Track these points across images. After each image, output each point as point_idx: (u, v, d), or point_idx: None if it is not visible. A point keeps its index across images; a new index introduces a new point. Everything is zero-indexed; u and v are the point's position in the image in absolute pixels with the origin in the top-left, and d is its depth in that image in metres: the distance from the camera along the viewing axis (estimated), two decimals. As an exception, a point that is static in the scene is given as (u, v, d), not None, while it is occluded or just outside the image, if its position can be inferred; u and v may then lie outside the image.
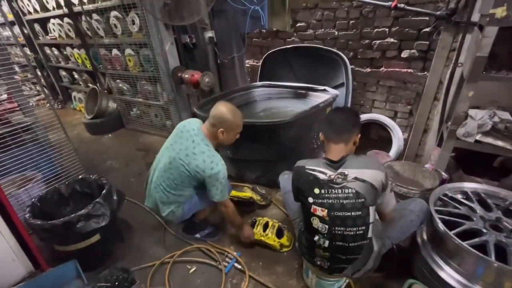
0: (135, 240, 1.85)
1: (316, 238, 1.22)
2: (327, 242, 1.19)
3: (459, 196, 1.48)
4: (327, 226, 1.17)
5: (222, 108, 1.48)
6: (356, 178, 1.11)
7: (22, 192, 1.89)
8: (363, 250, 1.17)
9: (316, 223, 1.20)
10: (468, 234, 1.23)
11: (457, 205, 1.41)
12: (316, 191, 1.16)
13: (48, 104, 2.23)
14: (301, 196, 1.23)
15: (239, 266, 1.58)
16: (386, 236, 1.29)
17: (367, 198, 1.10)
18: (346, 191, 1.11)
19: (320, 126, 1.29)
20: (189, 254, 1.70)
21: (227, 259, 1.63)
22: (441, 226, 1.24)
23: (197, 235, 1.78)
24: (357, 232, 1.14)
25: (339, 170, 1.14)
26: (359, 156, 1.20)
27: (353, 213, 1.12)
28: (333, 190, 1.13)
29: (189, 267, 1.62)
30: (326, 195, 1.15)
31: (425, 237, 1.41)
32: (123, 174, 2.70)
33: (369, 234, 1.15)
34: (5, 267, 1.50)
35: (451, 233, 1.21)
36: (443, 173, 1.75)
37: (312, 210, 1.19)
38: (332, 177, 1.14)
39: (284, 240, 1.68)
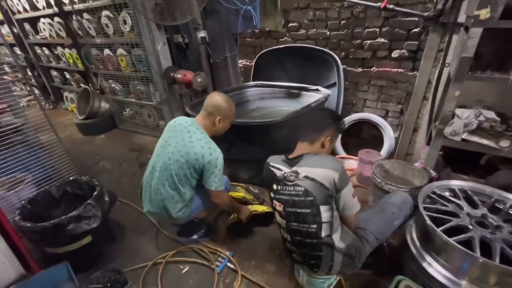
0: (128, 241, 1.85)
1: (281, 232, 1.29)
2: (288, 237, 1.26)
3: (446, 194, 1.51)
4: (284, 221, 1.24)
5: (217, 97, 1.54)
6: (306, 177, 1.13)
7: (12, 194, 1.86)
8: (322, 246, 1.18)
9: (277, 217, 1.28)
10: (455, 230, 1.27)
11: (444, 202, 1.44)
12: (274, 187, 1.22)
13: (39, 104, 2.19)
14: (268, 190, 1.30)
15: (232, 266, 1.59)
16: (369, 230, 1.29)
17: (316, 197, 1.11)
18: (297, 188, 1.14)
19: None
20: (182, 254, 1.70)
21: (219, 259, 1.64)
22: (429, 223, 1.27)
23: (195, 236, 1.78)
24: (309, 230, 1.16)
25: (293, 168, 1.17)
26: (316, 155, 1.20)
27: (303, 210, 1.15)
28: (286, 187, 1.18)
29: (182, 267, 1.62)
30: (281, 192, 1.20)
31: (414, 234, 1.43)
32: (116, 175, 2.68)
33: (323, 233, 1.15)
34: (-5, 270, 1.49)
35: (439, 229, 1.23)
36: (431, 171, 1.78)
37: (273, 204, 1.26)
38: (286, 174, 1.18)
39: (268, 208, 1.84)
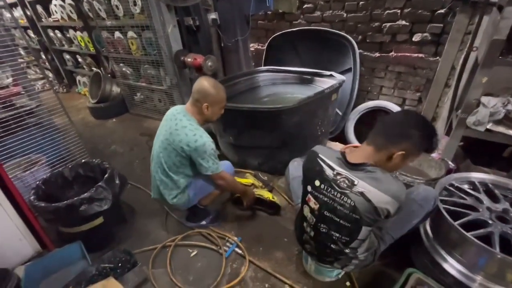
0: (138, 224, 1.88)
1: (304, 224, 1.21)
2: (312, 233, 1.18)
3: (465, 187, 1.44)
4: (314, 219, 1.14)
5: (204, 82, 1.45)
6: (361, 194, 0.95)
7: (28, 175, 1.92)
8: (346, 255, 1.12)
9: (306, 211, 1.18)
10: (473, 225, 1.21)
11: (463, 195, 1.38)
12: (317, 183, 1.09)
13: (51, 88, 2.21)
14: (304, 180, 1.18)
15: (240, 251, 1.60)
16: (385, 230, 1.20)
17: (363, 218, 0.98)
18: (345, 199, 1.00)
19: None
20: (191, 238, 1.72)
21: (227, 244, 1.65)
22: (446, 216, 1.21)
23: (203, 222, 1.79)
24: (339, 239, 1.07)
25: (349, 175, 0.99)
26: (382, 173, 0.97)
27: (342, 222, 1.03)
28: (332, 190, 1.04)
29: (190, 251, 1.64)
30: (324, 192, 1.07)
31: (427, 226, 1.39)
32: (127, 159, 2.72)
33: (352, 246, 1.08)
34: (13, 247, 1.56)
35: (456, 223, 1.18)
36: (450, 163, 1.70)
37: (306, 198, 1.16)
38: (338, 178, 1.01)
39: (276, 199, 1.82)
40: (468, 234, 1.13)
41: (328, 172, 1.04)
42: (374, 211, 0.95)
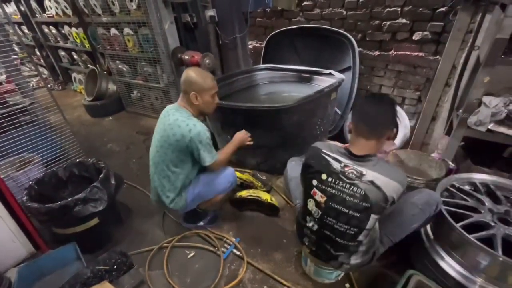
0: (134, 224, 1.85)
1: (308, 219, 1.22)
2: (316, 227, 1.19)
3: (467, 187, 1.43)
4: (320, 213, 1.16)
5: (189, 72, 1.43)
6: (371, 182, 1.01)
7: (21, 175, 1.87)
8: (348, 250, 1.14)
9: (311, 205, 1.19)
10: (474, 226, 1.19)
11: (464, 196, 1.37)
12: (323, 176, 1.11)
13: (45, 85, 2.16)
14: (308, 175, 1.19)
15: (238, 252, 1.57)
16: (384, 233, 1.20)
17: (373, 206, 1.02)
18: (354, 189, 1.04)
19: (353, 115, 1.15)
20: (188, 239, 1.69)
21: (225, 245, 1.63)
22: (448, 219, 1.19)
23: (201, 223, 1.77)
24: (347, 231, 1.09)
25: (357, 167, 1.05)
26: (386, 163, 1.09)
27: (350, 212, 1.06)
28: (340, 182, 1.07)
29: (188, 252, 1.62)
30: (331, 184, 1.09)
31: (428, 227, 1.37)
32: (123, 158, 2.68)
33: (360, 238, 1.10)
34: (5, 248, 1.52)
35: (458, 225, 1.17)
36: (450, 163, 1.69)
37: (312, 192, 1.16)
38: (346, 169, 1.06)
39: (274, 201, 1.80)
40: (471, 237, 1.11)
41: (335, 165, 1.09)
42: (383, 197, 1.00)
